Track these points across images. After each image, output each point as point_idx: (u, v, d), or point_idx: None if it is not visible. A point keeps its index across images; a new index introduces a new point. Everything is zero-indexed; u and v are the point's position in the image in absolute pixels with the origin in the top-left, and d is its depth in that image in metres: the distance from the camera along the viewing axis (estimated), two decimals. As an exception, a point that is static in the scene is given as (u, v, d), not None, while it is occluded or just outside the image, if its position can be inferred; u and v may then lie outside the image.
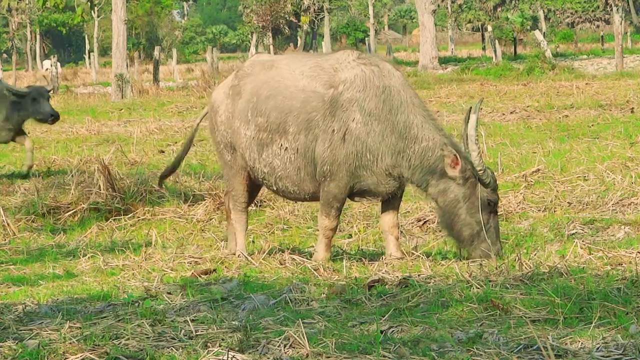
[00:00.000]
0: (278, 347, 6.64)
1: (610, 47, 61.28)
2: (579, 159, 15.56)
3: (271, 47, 79.00)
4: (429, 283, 8.41)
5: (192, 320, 7.34)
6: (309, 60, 9.98)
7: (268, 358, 6.51)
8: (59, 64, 60.08)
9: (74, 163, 16.49)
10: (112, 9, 38.45)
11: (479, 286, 8.08)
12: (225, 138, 10.25)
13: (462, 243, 9.65)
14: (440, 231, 10.90)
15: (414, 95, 9.72)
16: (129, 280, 9.55)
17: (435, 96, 29.85)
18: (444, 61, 60.61)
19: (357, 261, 9.76)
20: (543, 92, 29.86)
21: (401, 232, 10.10)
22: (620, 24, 44.92)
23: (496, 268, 8.75)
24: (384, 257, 9.84)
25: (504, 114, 23.94)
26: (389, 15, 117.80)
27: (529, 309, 7.45)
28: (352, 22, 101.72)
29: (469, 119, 9.52)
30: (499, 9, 79.17)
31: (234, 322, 7.35)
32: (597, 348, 6.43)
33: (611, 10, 73.28)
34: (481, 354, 6.37)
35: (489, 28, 67.41)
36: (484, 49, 76.04)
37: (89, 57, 70.54)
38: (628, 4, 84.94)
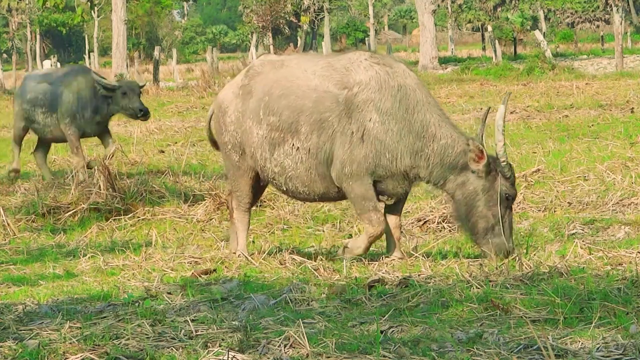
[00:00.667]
0: (278, 347, 6.63)
1: (610, 47, 61.29)
2: (579, 159, 15.55)
3: (271, 47, 79.02)
4: (429, 283, 8.40)
5: (192, 320, 7.34)
6: (320, 59, 9.92)
7: (268, 358, 6.51)
8: (59, 64, 60.14)
9: (74, 163, 16.47)
10: (112, 9, 38.47)
11: (479, 286, 8.08)
12: (234, 138, 10.14)
13: (476, 236, 9.55)
14: (452, 222, 10.89)
15: (428, 95, 9.73)
16: (129, 280, 9.55)
17: (435, 96, 29.70)
18: (444, 61, 60.59)
19: (357, 261, 9.75)
20: (543, 92, 29.87)
21: (401, 232, 10.09)
22: (620, 24, 44.94)
23: (496, 268, 8.76)
24: (384, 257, 9.83)
25: (503, 114, 23.89)
26: (389, 15, 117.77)
27: (529, 309, 7.45)
28: (352, 22, 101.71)
29: (485, 118, 9.51)
30: (499, 9, 79.19)
31: (234, 322, 7.34)
32: (597, 348, 6.43)
33: (611, 10, 73.24)
34: (481, 354, 6.37)
35: (489, 28, 67.38)
36: (484, 49, 76.02)
37: (89, 57, 70.47)
38: (628, 4, 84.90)
